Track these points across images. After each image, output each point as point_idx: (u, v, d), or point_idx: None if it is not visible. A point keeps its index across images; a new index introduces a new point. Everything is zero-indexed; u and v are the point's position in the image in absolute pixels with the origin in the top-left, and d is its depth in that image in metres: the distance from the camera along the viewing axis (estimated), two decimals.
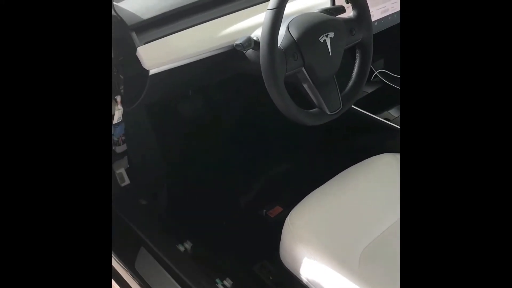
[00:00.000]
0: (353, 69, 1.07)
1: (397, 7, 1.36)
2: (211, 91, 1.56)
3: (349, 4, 1.05)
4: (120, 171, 1.27)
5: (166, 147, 1.43)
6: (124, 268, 1.19)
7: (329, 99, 1.01)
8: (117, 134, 1.19)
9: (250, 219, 1.43)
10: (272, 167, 1.59)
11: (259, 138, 1.66)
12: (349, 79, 1.08)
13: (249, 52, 0.98)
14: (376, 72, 1.55)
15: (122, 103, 1.07)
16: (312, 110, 1.01)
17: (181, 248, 1.24)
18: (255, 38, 0.94)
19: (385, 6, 1.32)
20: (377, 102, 1.47)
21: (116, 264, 1.18)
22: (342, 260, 0.94)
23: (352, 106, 1.42)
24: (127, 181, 1.29)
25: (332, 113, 1.02)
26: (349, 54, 1.09)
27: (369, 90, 1.53)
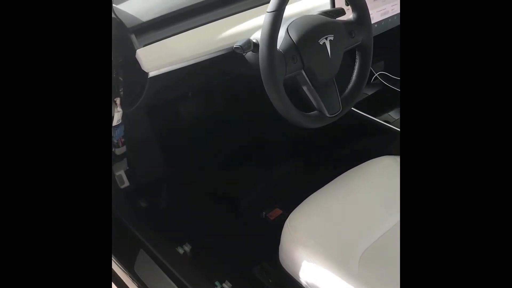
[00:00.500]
0: (353, 71, 1.07)
1: (397, 9, 1.36)
2: (211, 93, 1.56)
3: (349, 6, 1.05)
4: (120, 173, 1.27)
5: (166, 149, 1.43)
6: (123, 271, 1.19)
7: (328, 102, 1.01)
8: (116, 136, 1.19)
9: (250, 221, 1.43)
10: (272, 169, 1.59)
11: (259, 140, 1.66)
12: (349, 82, 1.07)
13: (249, 54, 0.97)
14: (376, 74, 1.55)
15: (122, 105, 1.07)
16: (312, 112, 1.01)
17: (181, 251, 1.24)
18: (254, 41, 0.94)
19: (385, 8, 1.32)
20: (377, 105, 1.47)
21: (115, 266, 1.18)
22: (341, 263, 0.94)
23: (352, 108, 1.42)
24: (126, 183, 1.29)
25: (331, 116, 1.02)
26: (349, 57, 1.09)
27: (369, 92, 1.53)
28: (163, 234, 1.23)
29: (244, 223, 1.43)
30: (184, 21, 1.03)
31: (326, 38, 0.97)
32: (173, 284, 1.12)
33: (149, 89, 1.00)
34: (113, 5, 0.97)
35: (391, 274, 0.93)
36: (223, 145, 1.61)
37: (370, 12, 1.08)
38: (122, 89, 1.04)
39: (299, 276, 0.97)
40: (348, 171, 1.15)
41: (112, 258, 1.17)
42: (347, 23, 1.03)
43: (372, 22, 1.21)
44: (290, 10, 1.08)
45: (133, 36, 0.95)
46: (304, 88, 0.99)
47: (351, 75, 1.07)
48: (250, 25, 1.06)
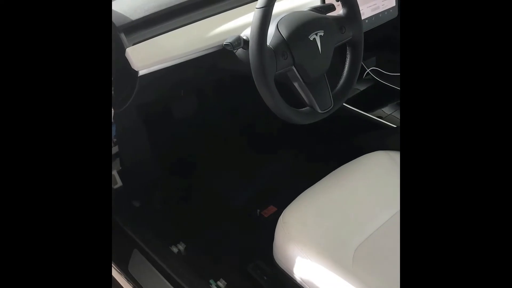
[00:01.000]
0: (344, 67, 1.07)
1: (388, 5, 1.36)
2: (203, 91, 1.56)
3: (339, 2, 1.05)
4: (112, 173, 1.27)
5: (159, 148, 1.43)
6: (117, 271, 1.18)
7: (320, 98, 1.01)
8: None
9: (244, 219, 1.43)
10: (265, 166, 1.58)
11: (252, 137, 1.66)
12: (340, 78, 1.07)
13: (239, 51, 0.97)
14: (368, 70, 1.55)
15: (113, 104, 1.06)
16: (303, 108, 1.01)
17: (175, 250, 1.24)
18: (244, 37, 0.94)
19: (376, 4, 1.32)
20: (369, 100, 1.47)
21: None
22: (335, 258, 0.94)
23: (344, 104, 1.43)
24: (119, 183, 1.29)
25: (323, 112, 1.02)
26: (340, 52, 1.08)
27: (361, 88, 1.53)
28: (157, 234, 1.23)
29: (238, 221, 1.43)
30: (174, 19, 1.02)
31: (316, 34, 0.97)
32: (168, 284, 1.11)
33: (139, 88, 0.99)
34: None
35: (385, 268, 0.93)
36: (216, 143, 1.60)
37: (361, 7, 1.08)
38: (112, 88, 1.03)
39: (293, 273, 0.97)
40: (341, 166, 1.15)
41: None
42: (337, 18, 1.03)
43: (363, 17, 1.21)
44: (280, 7, 1.08)
45: (122, 35, 0.95)
46: (295, 84, 0.99)
47: (342, 71, 1.07)
48: (240, 22, 1.06)
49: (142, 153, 1.37)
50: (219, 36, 1.01)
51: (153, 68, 0.97)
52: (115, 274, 1.19)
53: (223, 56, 1.02)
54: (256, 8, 0.87)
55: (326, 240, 0.97)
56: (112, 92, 1.04)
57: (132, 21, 0.97)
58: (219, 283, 1.16)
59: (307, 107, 1.01)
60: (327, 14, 1.05)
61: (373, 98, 1.49)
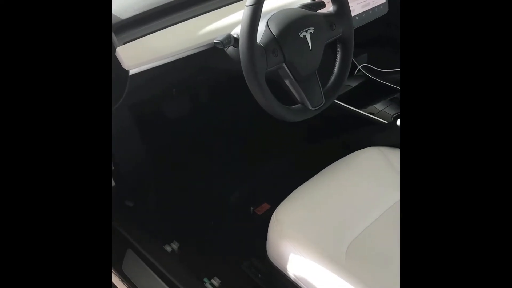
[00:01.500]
0: (334, 64, 1.07)
1: (378, 1, 1.36)
2: (195, 90, 1.56)
3: None
4: None
5: (152, 148, 1.43)
6: (112, 271, 1.18)
7: (311, 95, 1.01)
8: None
9: (238, 217, 1.43)
10: (258, 164, 1.59)
11: (245, 136, 1.66)
12: (331, 74, 1.08)
13: (230, 49, 0.97)
14: (359, 67, 1.55)
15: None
16: (295, 106, 1.01)
17: (168, 249, 1.24)
18: (235, 35, 0.94)
19: (366, 0, 1.32)
20: (361, 97, 1.48)
21: None
22: (328, 254, 0.94)
23: (336, 100, 1.43)
24: (112, 183, 1.28)
25: (314, 109, 1.02)
26: (330, 49, 1.09)
27: (353, 84, 1.53)
28: (150, 233, 1.23)
29: (232, 219, 1.43)
30: (164, 18, 1.02)
31: (306, 31, 0.97)
32: (162, 283, 1.11)
33: (130, 87, 0.99)
34: None
35: (378, 264, 0.93)
36: (209, 142, 1.60)
37: (351, 4, 1.08)
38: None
39: (286, 270, 0.97)
40: (333, 163, 1.15)
41: None
42: (327, 15, 1.03)
43: (353, 14, 1.22)
44: (270, 4, 1.08)
45: (112, 35, 0.94)
46: (286, 81, 0.99)
47: (333, 68, 1.07)
48: (230, 20, 1.06)
49: (135, 153, 1.37)
50: (209, 35, 1.01)
51: (143, 67, 0.97)
52: None
53: (214, 54, 1.02)
54: (246, 5, 0.87)
55: (319, 236, 0.97)
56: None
57: (122, 20, 0.97)
58: (213, 281, 1.16)
59: (299, 104, 1.01)
60: (317, 11, 1.05)
61: (365, 94, 1.49)
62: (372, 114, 1.38)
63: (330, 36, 1.02)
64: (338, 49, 1.07)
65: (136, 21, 0.99)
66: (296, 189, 1.08)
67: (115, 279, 1.19)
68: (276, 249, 1.00)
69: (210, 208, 1.45)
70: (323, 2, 1.09)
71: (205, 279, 1.16)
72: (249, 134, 1.67)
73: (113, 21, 0.96)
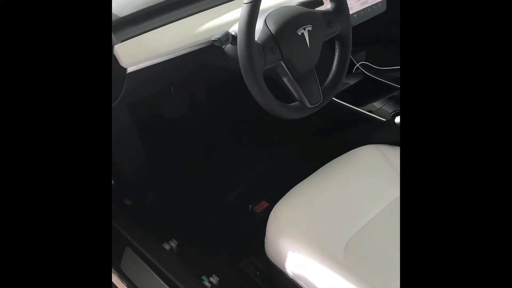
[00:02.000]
0: (332, 62, 1.07)
1: None
2: (194, 88, 1.56)
3: None
4: None
5: (150, 146, 1.43)
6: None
7: (309, 92, 1.01)
8: None
9: (236, 215, 1.43)
10: (256, 162, 1.59)
11: (243, 133, 1.66)
12: (329, 72, 1.08)
13: (228, 47, 0.97)
14: (357, 65, 1.55)
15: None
16: (293, 103, 1.01)
17: (167, 247, 1.24)
18: (232, 33, 0.94)
19: None
20: (359, 94, 1.48)
21: None
22: (327, 252, 0.94)
23: (334, 98, 1.43)
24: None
25: (313, 106, 1.02)
26: (329, 47, 1.09)
27: (351, 82, 1.53)
28: (149, 231, 1.23)
29: (230, 217, 1.43)
30: (162, 15, 1.02)
31: (304, 29, 0.97)
32: (160, 281, 1.11)
33: (128, 85, 0.99)
34: None
35: (376, 261, 0.94)
36: (207, 140, 1.60)
37: (349, 2, 1.09)
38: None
39: (285, 267, 0.98)
40: (332, 161, 1.15)
41: None
42: (325, 13, 1.03)
43: (351, 12, 1.22)
44: (268, 2, 1.08)
45: None
46: (285, 79, 0.99)
47: (331, 66, 1.07)
48: (229, 18, 1.05)
49: (133, 151, 1.37)
50: (207, 32, 1.01)
51: (141, 65, 0.97)
52: None
53: (212, 52, 1.02)
54: (244, 3, 0.87)
55: (317, 234, 0.98)
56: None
57: (120, 18, 0.97)
58: (211, 279, 1.16)
59: (297, 102, 1.01)
60: (315, 9, 1.05)
61: (363, 92, 1.49)
62: (370, 112, 1.38)
63: (328, 33, 1.02)
64: (336, 46, 1.07)
65: (134, 19, 0.98)
66: (295, 186, 1.08)
67: (114, 278, 1.19)
68: (274, 246, 1.00)
69: (208, 206, 1.45)
70: None
71: (204, 277, 1.16)
72: (247, 132, 1.67)
73: (112, 19, 0.96)
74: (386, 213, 1.03)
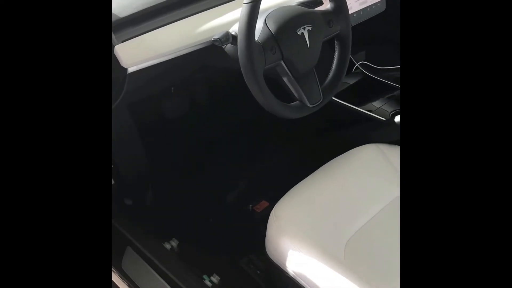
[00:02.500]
0: (332, 61, 1.08)
1: None
2: (194, 87, 1.56)
3: None
4: None
5: (150, 146, 1.43)
6: (111, 269, 1.18)
7: (309, 92, 1.01)
8: None
9: (236, 215, 1.43)
10: (257, 162, 1.59)
11: (243, 133, 1.67)
12: (328, 72, 1.08)
13: (228, 47, 0.97)
14: (357, 64, 1.55)
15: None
16: (293, 103, 1.02)
17: (168, 246, 1.24)
18: (233, 33, 0.94)
19: None
20: (358, 94, 1.48)
21: None
22: (327, 251, 0.95)
23: (334, 98, 1.43)
24: (111, 181, 1.29)
25: (313, 106, 1.02)
26: (328, 47, 1.09)
27: (351, 82, 1.54)
28: (149, 231, 1.23)
29: (230, 216, 1.43)
30: (162, 16, 1.02)
31: (304, 28, 0.97)
32: (162, 280, 1.12)
33: (129, 85, 0.99)
34: None
35: (376, 259, 0.94)
36: (207, 139, 1.61)
37: (349, 2, 1.09)
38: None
39: (286, 266, 0.98)
40: (332, 160, 1.15)
41: None
42: (324, 13, 1.03)
43: (351, 12, 1.22)
44: (268, 2, 1.08)
45: None
46: (285, 79, 1.00)
47: (331, 65, 1.08)
48: (228, 18, 1.06)
49: (134, 151, 1.37)
50: (207, 32, 1.02)
51: (142, 65, 0.97)
52: None
53: (212, 52, 1.02)
54: (244, 3, 0.87)
55: (318, 233, 0.98)
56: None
57: (121, 19, 0.97)
58: (212, 278, 1.16)
59: (297, 102, 1.02)
60: (314, 9, 1.05)
61: (363, 91, 1.49)
62: (370, 111, 1.38)
63: (328, 33, 1.03)
64: (336, 46, 1.07)
65: (134, 19, 0.99)
66: (295, 186, 1.08)
67: (115, 277, 1.19)
68: (275, 245, 1.00)
69: (208, 205, 1.45)
70: None
71: (205, 276, 1.16)
72: (247, 132, 1.67)
73: (112, 19, 0.96)
74: (386, 212, 1.03)
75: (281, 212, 1.02)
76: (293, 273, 0.97)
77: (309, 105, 1.01)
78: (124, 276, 1.18)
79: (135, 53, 0.96)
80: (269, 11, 0.98)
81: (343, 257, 0.94)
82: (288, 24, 0.95)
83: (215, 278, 1.16)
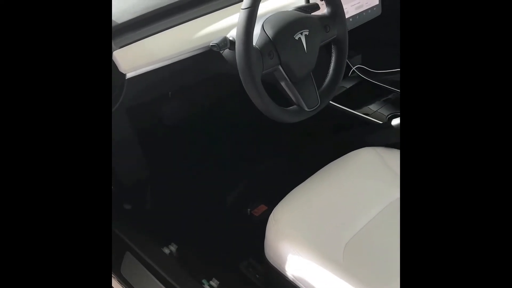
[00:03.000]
0: (329, 65, 1.09)
1: (371, 3, 1.38)
2: (192, 93, 1.56)
3: (323, 1, 1.06)
4: None
5: (148, 150, 1.43)
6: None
7: (307, 96, 1.02)
8: None
9: (235, 219, 1.44)
10: (255, 166, 1.59)
11: (241, 137, 1.67)
12: (326, 76, 1.09)
13: (226, 52, 0.98)
14: (353, 68, 1.56)
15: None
16: (291, 107, 1.02)
17: (167, 251, 1.24)
18: (230, 38, 0.95)
19: (359, 2, 1.34)
20: (355, 98, 1.49)
21: None
22: (326, 254, 0.95)
23: (331, 102, 1.44)
24: None
25: (310, 110, 1.03)
26: (325, 51, 1.10)
27: (348, 85, 1.54)
28: (148, 236, 1.23)
29: (229, 220, 1.43)
30: (160, 21, 1.03)
31: (301, 33, 0.98)
32: (161, 285, 1.12)
33: (127, 91, 1.00)
34: None
35: (375, 262, 0.94)
36: (206, 144, 1.61)
37: (345, 6, 1.10)
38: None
39: (285, 270, 0.98)
40: (329, 164, 1.16)
41: None
42: (321, 17, 1.04)
43: (347, 16, 1.23)
44: (265, 7, 1.09)
45: None
46: (282, 83, 1.00)
47: (328, 69, 1.09)
48: (226, 23, 1.07)
49: (133, 156, 1.37)
50: (205, 38, 1.02)
51: (140, 71, 0.98)
52: None
53: (210, 57, 1.03)
54: (242, 9, 0.88)
55: (317, 236, 0.98)
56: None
57: (119, 24, 0.98)
58: (211, 282, 1.16)
59: (294, 106, 1.02)
60: (311, 14, 1.06)
61: (359, 95, 1.50)
62: (367, 115, 1.39)
63: (325, 38, 1.03)
64: (332, 50, 1.08)
65: (132, 24, 0.99)
66: (294, 189, 1.08)
67: (114, 283, 1.19)
68: (274, 249, 1.00)
69: (207, 210, 1.46)
70: (317, 4, 1.11)
71: (204, 281, 1.16)
72: (245, 136, 1.67)
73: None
74: (384, 215, 1.04)
75: (279, 215, 1.02)
76: (292, 277, 0.98)
77: (306, 109, 1.02)
78: (124, 281, 1.17)
79: (133, 59, 0.96)
80: (267, 16, 0.98)
81: (342, 260, 0.94)
82: (285, 29, 0.96)
83: (214, 283, 1.16)
